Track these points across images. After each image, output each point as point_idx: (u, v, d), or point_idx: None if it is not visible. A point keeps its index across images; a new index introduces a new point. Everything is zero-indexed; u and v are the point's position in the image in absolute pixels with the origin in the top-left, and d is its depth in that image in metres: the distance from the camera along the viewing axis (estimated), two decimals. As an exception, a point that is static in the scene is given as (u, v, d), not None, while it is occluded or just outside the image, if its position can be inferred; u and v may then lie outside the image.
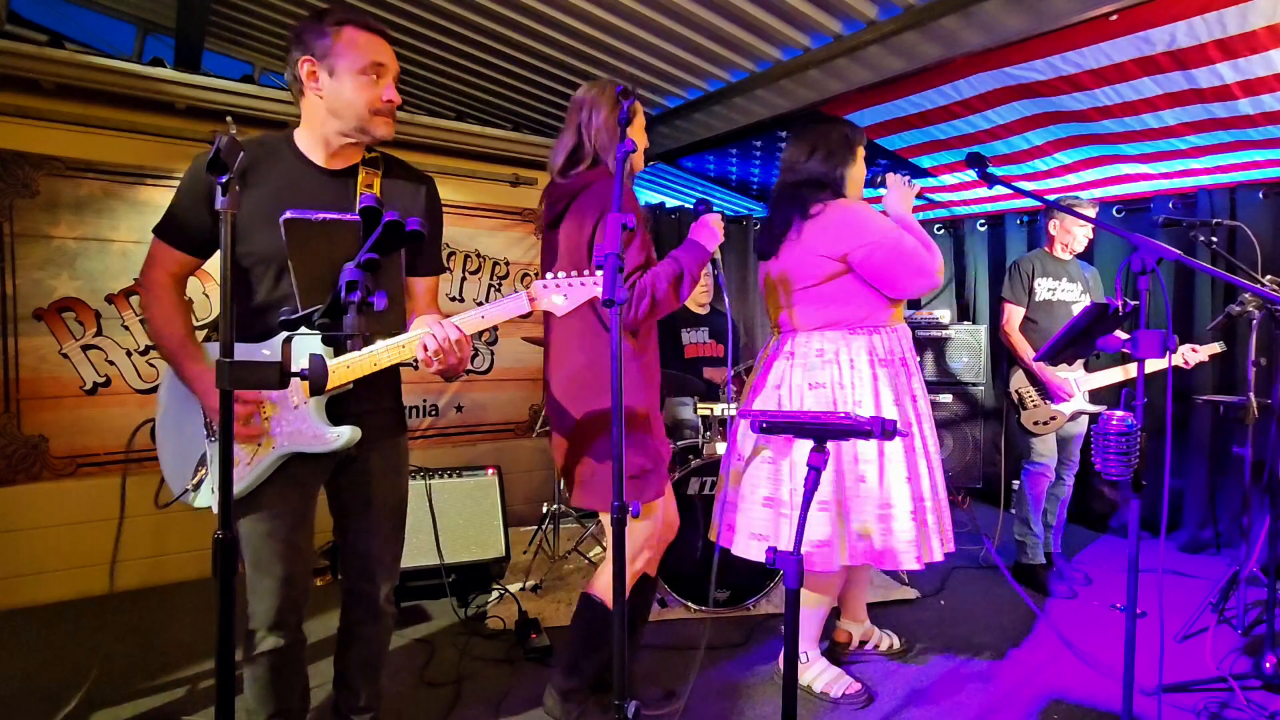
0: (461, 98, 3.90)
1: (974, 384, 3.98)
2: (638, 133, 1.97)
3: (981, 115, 3.29)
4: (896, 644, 2.60)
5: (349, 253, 1.29)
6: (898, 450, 2.11)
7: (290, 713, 1.64)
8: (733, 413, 2.90)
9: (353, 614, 1.77)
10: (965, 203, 4.63)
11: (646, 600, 2.20)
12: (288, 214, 1.31)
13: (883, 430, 1.33)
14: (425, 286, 1.73)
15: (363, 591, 1.73)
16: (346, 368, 1.47)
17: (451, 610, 2.89)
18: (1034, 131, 3.37)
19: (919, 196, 2.31)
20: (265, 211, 1.44)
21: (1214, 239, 2.82)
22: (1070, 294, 3.20)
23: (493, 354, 4.28)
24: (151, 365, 3.26)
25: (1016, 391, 3.19)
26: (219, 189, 1.10)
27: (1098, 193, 3.99)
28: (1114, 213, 4.04)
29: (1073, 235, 3.20)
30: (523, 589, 3.11)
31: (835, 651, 2.56)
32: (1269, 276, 2.56)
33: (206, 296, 3.34)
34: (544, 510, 3.58)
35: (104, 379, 3.18)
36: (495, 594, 3.06)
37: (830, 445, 2.05)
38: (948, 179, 4.18)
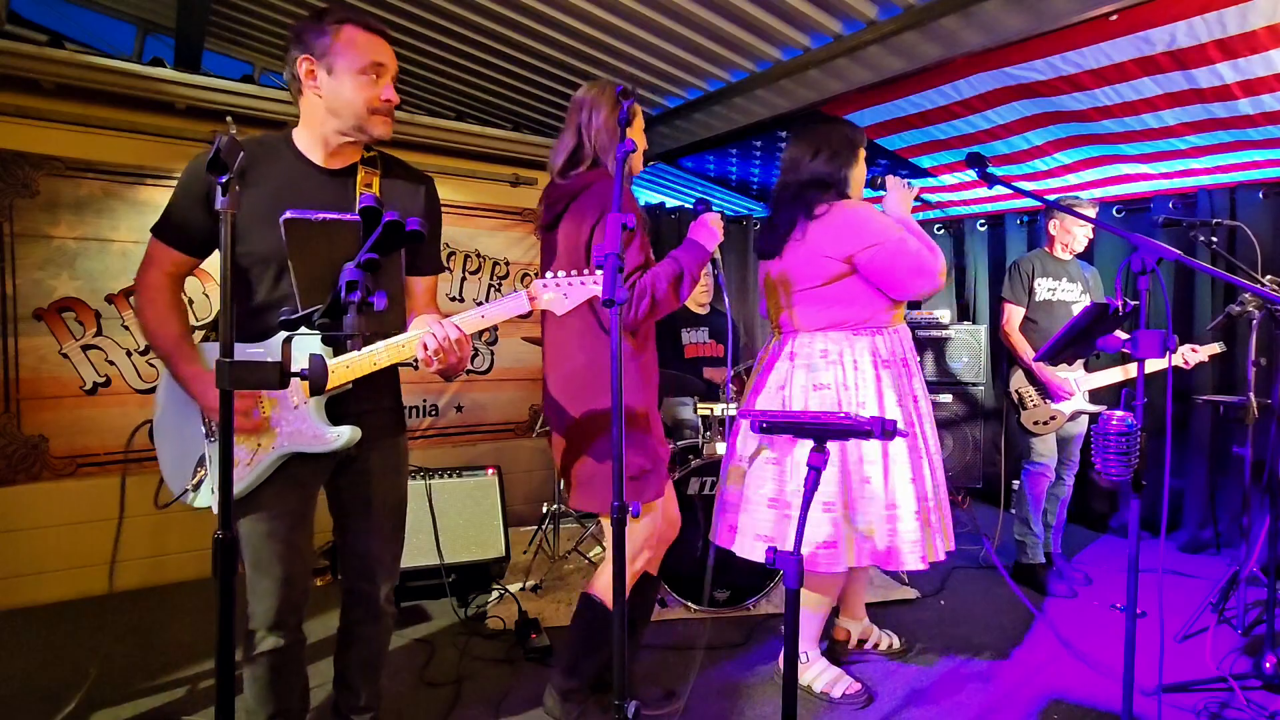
0: (461, 98, 3.90)
1: (974, 384, 3.98)
2: (636, 134, 1.97)
3: (981, 115, 3.29)
4: (896, 643, 2.60)
5: (349, 253, 1.30)
6: (902, 450, 2.11)
7: (290, 713, 1.64)
8: (732, 413, 2.90)
9: (353, 614, 1.76)
10: (965, 203, 4.63)
11: (648, 600, 2.20)
12: (288, 214, 1.31)
13: (883, 430, 1.33)
14: (424, 286, 1.73)
15: (363, 591, 1.73)
16: (346, 368, 1.47)
17: (451, 610, 2.89)
18: (1034, 131, 3.37)
19: (915, 198, 2.32)
20: (264, 211, 1.44)
21: (1214, 239, 2.82)
22: (1070, 294, 3.21)
23: (493, 354, 4.28)
24: (151, 365, 3.26)
25: (1016, 391, 3.19)
26: (219, 189, 1.09)
27: (1098, 193, 3.99)
28: (1114, 213, 4.04)
29: (1073, 235, 3.20)
30: (523, 589, 3.11)
31: (834, 649, 2.56)
32: (1269, 276, 2.56)
33: (206, 296, 3.34)
34: (544, 510, 3.58)
35: (104, 379, 3.18)
36: (495, 594, 3.06)
37: (835, 446, 2.07)
38: (948, 179, 4.18)
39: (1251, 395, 2.62)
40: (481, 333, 4.11)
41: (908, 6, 2.64)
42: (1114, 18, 2.39)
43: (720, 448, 2.95)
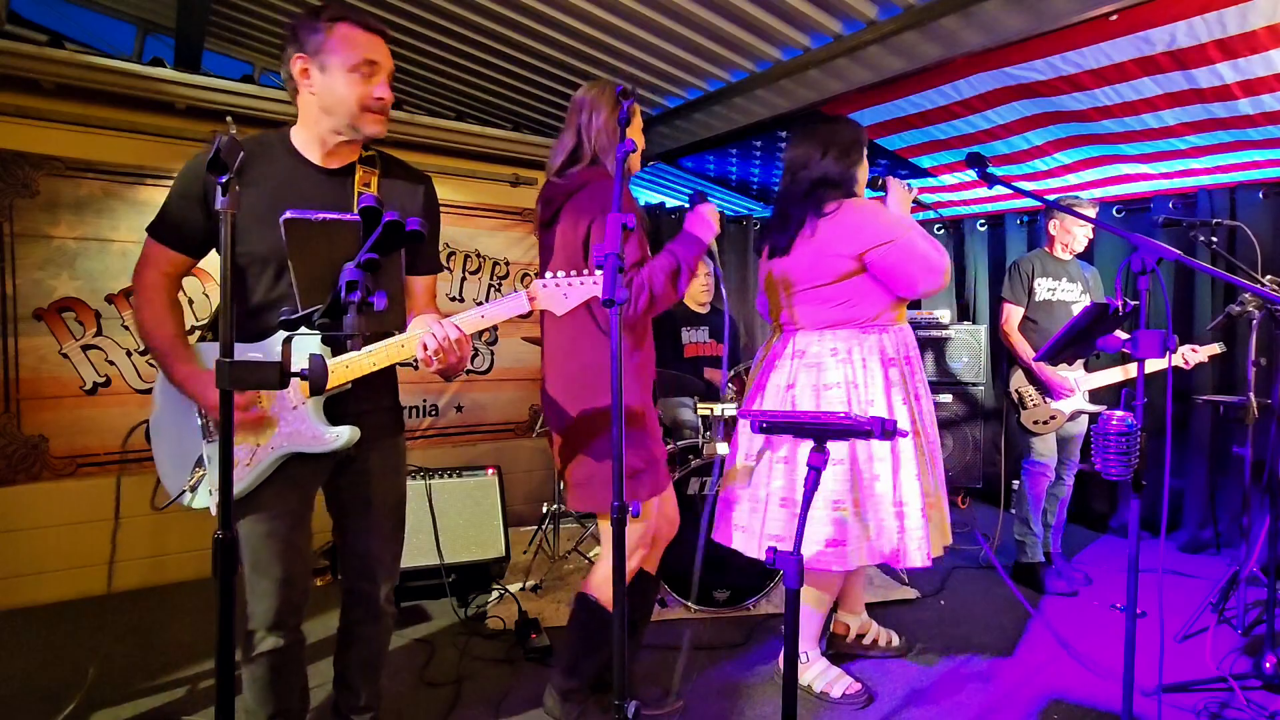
0: (461, 98, 3.90)
1: (974, 384, 3.98)
2: (635, 133, 1.97)
3: (981, 115, 3.29)
4: (896, 641, 2.59)
5: (349, 253, 1.29)
6: (909, 449, 2.12)
7: (290, 713, 1.64)
8: (732, 413, 2.90)
9: (353, 614, 1.76)
10: (965, 203, 4.63)
11: (647, 599, 2.20)
12: (288, 214, 1.31)
13: (883, 430, 1.33)
14: (424, 286, 1.73)
15: (363, 591, 1.73)
16: (345, 367, 1.47)
17: (451, 610, 2.89)
18: (1034, 131, 3.37)
19: (914, 200, 2.33)
20: (262, 211, 1.44)
21: (1214, 239, 2.82)
22: (1070, 294, 3.20)
23: (493, 354, 4.28)
24: (151, 365, 3.26)
25: (1016, 391, 3.19)
26: (218, 189, 1.09)
27: (1098, 193, 3.99)
28: (1114, 213, 4.04)
29: (1073, 235, 3.20)
30: (523, 589, 3.11)
31: (833, 644, 2.56)
32: (1269, 276, 2.56)
33: (206, 296, 3.34)
34: (544, 510, 3.58)
35: (104, 379, 3.18)
36: (495, 594, 3.06)
37: (844, 445, 2.07)
38: (948, 179, 4.18)
39: (1251, 395, 2.62)
40: (481, 333, 4.11)
41: (908, 6, 2.64)
42: (1114, 18, 2.39)
43: (720, 448, 2.95)
